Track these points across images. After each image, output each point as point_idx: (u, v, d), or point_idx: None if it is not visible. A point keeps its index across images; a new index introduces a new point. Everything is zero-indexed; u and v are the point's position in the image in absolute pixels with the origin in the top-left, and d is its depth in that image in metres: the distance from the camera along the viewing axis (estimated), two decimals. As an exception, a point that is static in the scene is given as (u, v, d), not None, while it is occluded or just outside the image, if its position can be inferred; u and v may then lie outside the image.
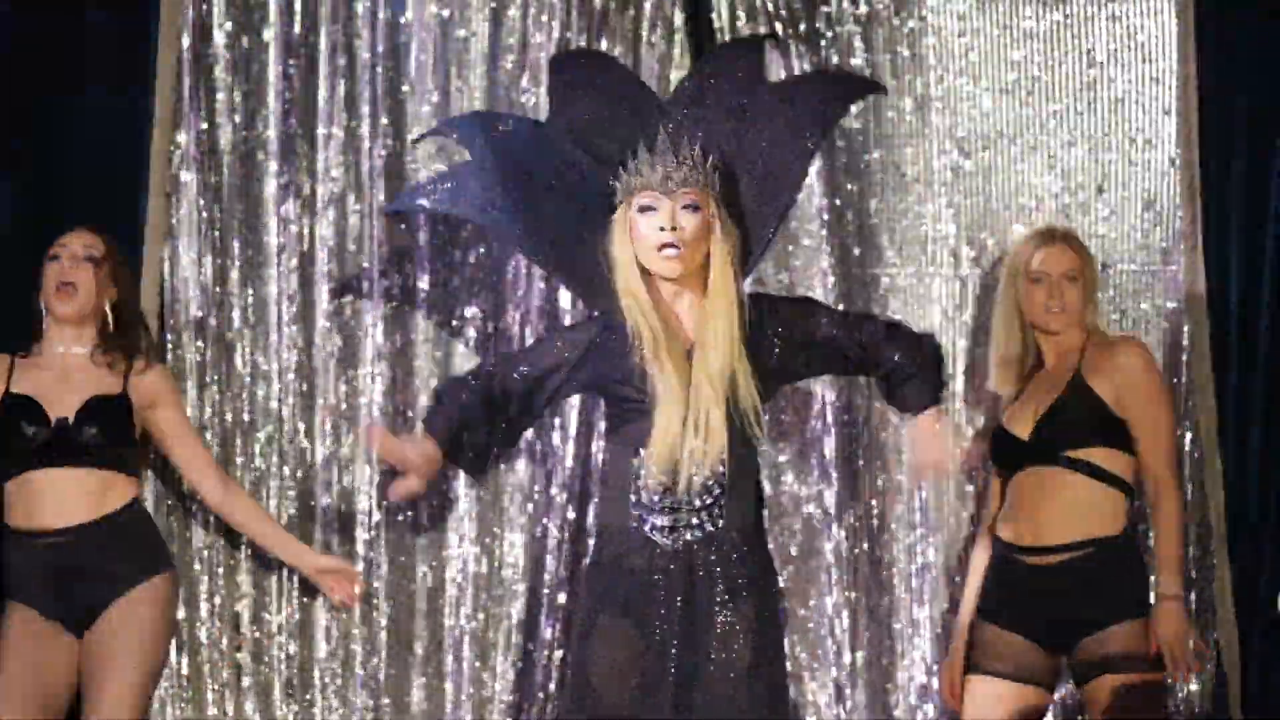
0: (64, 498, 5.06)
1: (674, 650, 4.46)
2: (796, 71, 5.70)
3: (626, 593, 4.51)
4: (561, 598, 5.64)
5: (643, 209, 4.58)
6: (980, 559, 5.34)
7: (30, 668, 5.03)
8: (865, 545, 5.71)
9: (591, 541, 5.20)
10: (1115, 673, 5.04)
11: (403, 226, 5.73)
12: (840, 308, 4.76)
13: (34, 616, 5.05)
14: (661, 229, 4.54)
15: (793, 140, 4.79)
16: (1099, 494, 5.15)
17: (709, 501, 4.52)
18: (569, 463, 5.66)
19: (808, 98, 4.88)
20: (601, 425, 5.43)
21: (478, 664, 5.68)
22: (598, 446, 5.60)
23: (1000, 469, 5.31)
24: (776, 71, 5.70)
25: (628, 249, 4.59)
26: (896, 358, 4.68)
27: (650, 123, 4.77)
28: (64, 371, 5.17)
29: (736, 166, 4.75)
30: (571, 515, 5.66)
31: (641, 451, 4.54)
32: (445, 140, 5.54)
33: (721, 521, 4.53)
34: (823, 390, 5.68)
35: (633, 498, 4.55)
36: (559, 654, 5.61)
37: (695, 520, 4.52)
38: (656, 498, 4.51)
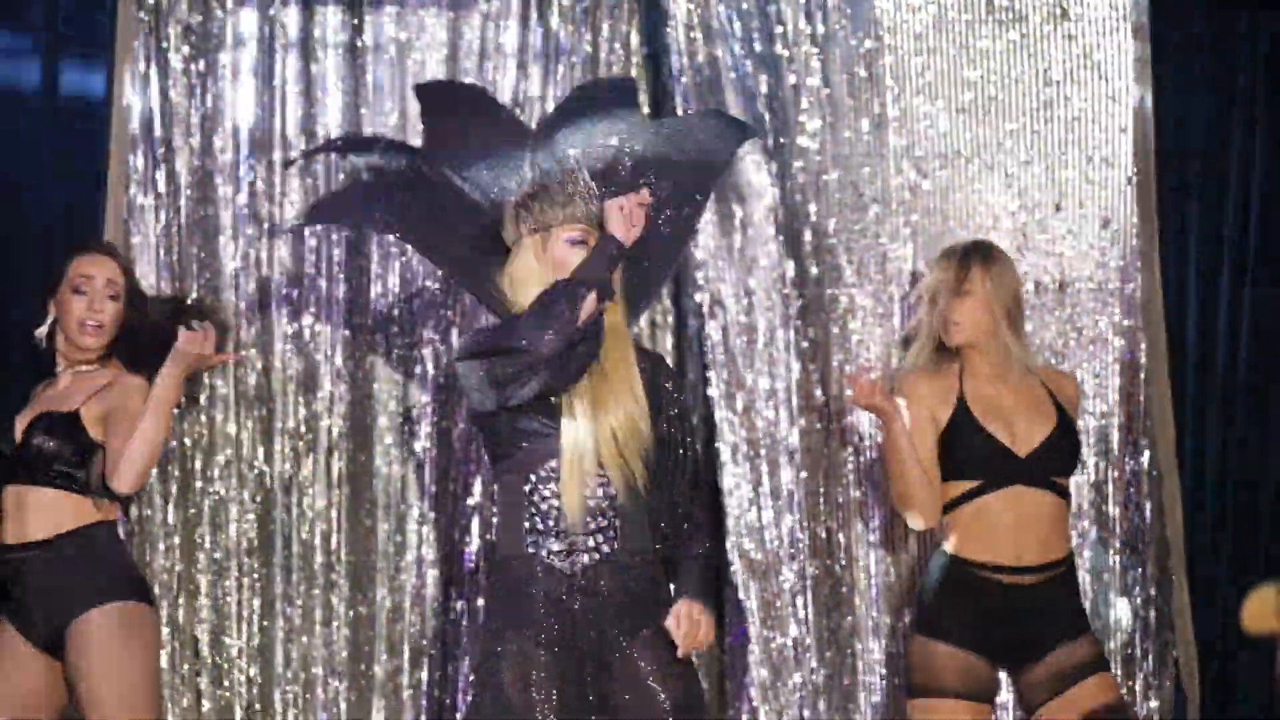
0: (24, 514, 5.08)
1: (589, 673, 4.47)
2: (754, 93, 5.74)
3: (532, 617, 4.50)
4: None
5: (573, 242, 4.57)
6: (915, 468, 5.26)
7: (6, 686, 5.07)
8: (825, 568, 5.73)
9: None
10: (1093, 674, 5.11)
11: (359, 249, 5.77)
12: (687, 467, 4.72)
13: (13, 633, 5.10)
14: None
15: (686, 181, 4.77)
16: (1065, 514, 5.22)
17: (603, 524, 4.52)
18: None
19: (702, 136, 4.86)
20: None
21: (437, 689, 5.71)
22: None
23: (969, 473, 5.22)
24: (733, 94, 5.75)
25: (548, 280, 4.54)
26: (694, 557, 4.60)
27: (524, 154, 4.81)
28: (65, 391, 5.16)
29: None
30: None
31: (532, 477, 4.53)
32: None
33: (617, 544, 4.53)
34: (783, 417, 5.73)
35: (526, 524, 4.54)
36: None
37: (591, 543, 4.52)
38: (551, 523, 4.52)
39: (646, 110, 5.79)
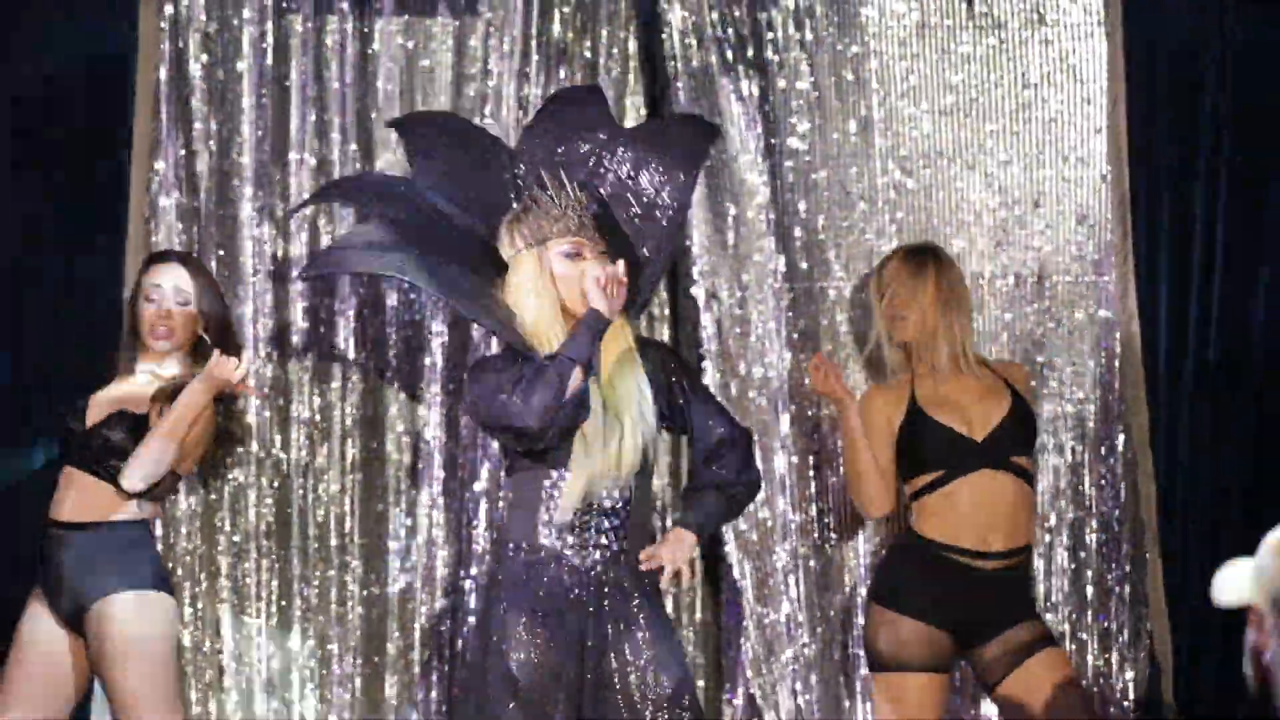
0: (70, 495, 5.22)
1: (590, 660, 4.63)
2: (746, 96, 5.86)
3: (538, 603, 4.65)
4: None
5: (567, 254, 4.75)
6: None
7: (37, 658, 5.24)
8: (816, 548, 5.81)
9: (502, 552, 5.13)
10: (1045, 649, 5.24)
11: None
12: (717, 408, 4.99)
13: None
14: (596, 276, 4.67)
15: (670, 178, 4.93)
16: (1030, 500, 5.35)
17: (616, 523, 4.70)
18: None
19: (679, 137, 5.03)
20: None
21: (446, 665, 5.81)
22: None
23: (931, 465, 5.32)
24: (726, 98, 5.86)
25: (548, 292, 4.73)
26: (715, 486, 4.86)
27: (508, 168, 4.97)
28: (142, 393, 5.29)
29: (611, 207, 4.91)
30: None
31: (553, 474, 4.69)
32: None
33: (626, 543, 4.72)
34: (775, 404, 5.83)
35: (544, 516, 4.70)
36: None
37: (604, 540, 4.69)
38: (569, 518, 4.68)
39: (644, 112, 5.93)
